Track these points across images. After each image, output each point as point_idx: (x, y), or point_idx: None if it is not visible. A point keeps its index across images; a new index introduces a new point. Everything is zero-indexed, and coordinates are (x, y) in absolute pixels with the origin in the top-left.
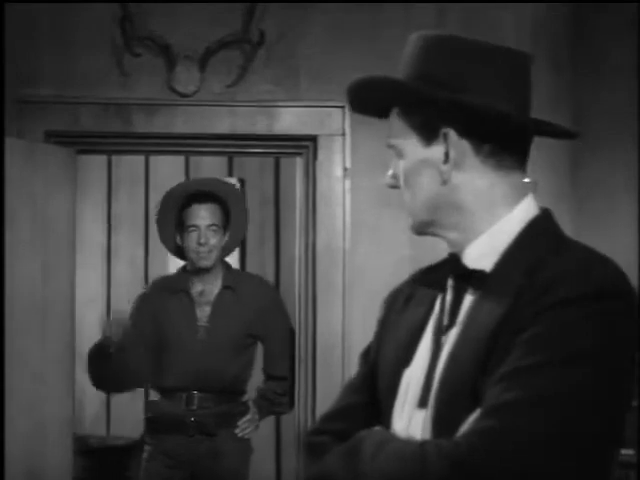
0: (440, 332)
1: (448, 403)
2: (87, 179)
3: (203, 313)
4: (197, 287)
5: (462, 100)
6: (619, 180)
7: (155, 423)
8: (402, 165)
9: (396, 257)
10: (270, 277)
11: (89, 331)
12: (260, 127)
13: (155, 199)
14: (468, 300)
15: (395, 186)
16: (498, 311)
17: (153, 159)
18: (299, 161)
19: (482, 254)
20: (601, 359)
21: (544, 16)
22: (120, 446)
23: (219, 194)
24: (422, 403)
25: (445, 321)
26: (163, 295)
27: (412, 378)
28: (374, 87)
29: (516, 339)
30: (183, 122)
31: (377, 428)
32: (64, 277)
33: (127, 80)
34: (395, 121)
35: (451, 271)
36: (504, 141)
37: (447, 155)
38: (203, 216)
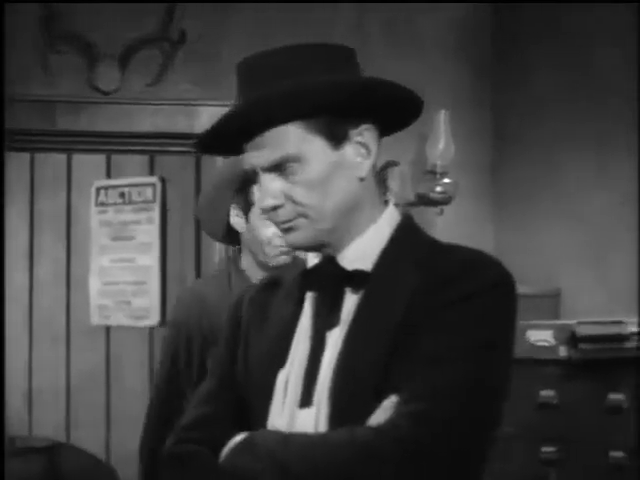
0: (321, 332)
1: (348, 398)
2: (10, 178)
3: None
4: None
5: (372, 79)
6: (539, 179)
7: None
8: (307, 174)
9: None
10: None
11: (11, 332)
12: (181, 126)
13: (77, 198)
14: (351, 300)
15: (279, 206)
16: (396, 308)
17: (76, 157)
18: (219, 160)
19: (359, 256)
20: (504, 343)
21: (466, 17)
22: (45, 447)
23: None
24: (305, 402)
25: (327, 321)
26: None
27: (290, 378)
28: (277, 102)
29: (422, 333)
30: (105, 120)
31: (260, 430)
32: None
33: (50, 78)
34: (290, 133)
35: (330, 273)
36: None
37: (368, 149)
38: None
